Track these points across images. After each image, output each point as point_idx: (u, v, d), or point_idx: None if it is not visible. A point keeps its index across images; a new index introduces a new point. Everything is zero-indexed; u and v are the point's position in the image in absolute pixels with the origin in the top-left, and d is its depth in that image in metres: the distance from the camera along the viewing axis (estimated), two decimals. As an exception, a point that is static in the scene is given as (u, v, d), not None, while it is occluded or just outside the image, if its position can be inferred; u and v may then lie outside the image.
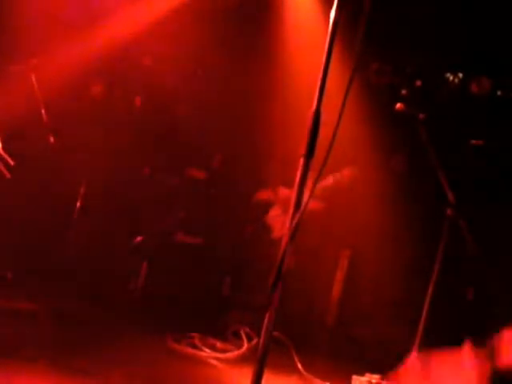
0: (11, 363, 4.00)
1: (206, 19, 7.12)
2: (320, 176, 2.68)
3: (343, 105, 2.66)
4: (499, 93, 6.74)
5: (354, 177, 6.79)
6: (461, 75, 6.86)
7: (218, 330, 5.85)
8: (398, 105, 4.97)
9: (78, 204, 7.02)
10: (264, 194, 7.06)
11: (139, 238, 7.03)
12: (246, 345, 5.59)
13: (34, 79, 6.36)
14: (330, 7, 2.83)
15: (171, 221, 7.23)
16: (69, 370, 4.16)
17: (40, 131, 6.53)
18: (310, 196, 2.71)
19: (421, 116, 5.01)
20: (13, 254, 6.12)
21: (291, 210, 2.72)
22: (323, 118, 2.77)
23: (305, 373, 5.32)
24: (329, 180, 6.57)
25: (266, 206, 6.95)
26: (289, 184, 2.89)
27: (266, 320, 2.71)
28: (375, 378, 5.34)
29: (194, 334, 5.61)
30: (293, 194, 2.73)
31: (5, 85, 6.23)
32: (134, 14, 6.97)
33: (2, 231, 6.22)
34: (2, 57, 6.33)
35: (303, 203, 2.71)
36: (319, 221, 6.56)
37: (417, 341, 5.25)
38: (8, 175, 6.03)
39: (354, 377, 5.40)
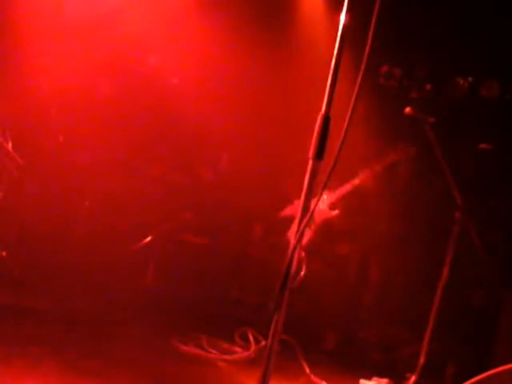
0: (15, 363, 4.00)
1: (215, 17, 7.10)
2: (328, 180, 2.68)
3: (353, 109, 2.66)
4: (509, 97, 6.72)
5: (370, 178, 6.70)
6: (470, 79, 6.83)
7: (226, 331, 5.84)
8: (408, 109, 4.97)
9: (86, 203, 7.05)
10: (288, 210, 6.87)
11: (147, 239, 7.02)
12: (253, 347, 5.58)
13: (42, 79, 6.38)
14: (341, 9, 2.83)
15: (179, 221, 7.23)
16: (74, 371, 4.16)
17: (49, 130, 6.55)
18: (317, 202, 2.71)
19: (430, 120, 5.02)
20: (18, 251, 6.13)
21: (299, 214, 2.72)
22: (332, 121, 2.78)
23: (312, 376, 5.31)
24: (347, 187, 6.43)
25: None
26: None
27: (273, 322, 2.71)
28: (383, 381, 5.34)
29: (201, 336, 5.61)
30: (301, 198, 2.74)
31: (14, 85, 6.25)
32: (142, 12, 6.97)
33: (9, 230, 6.24)
34: (10, 57, 6.34)
35: (312, 209, 2.71)
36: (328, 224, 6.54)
37: (424, 345, 5.26)
38: (17, 174, 6.05)
39: (362, 381, 5.40)
